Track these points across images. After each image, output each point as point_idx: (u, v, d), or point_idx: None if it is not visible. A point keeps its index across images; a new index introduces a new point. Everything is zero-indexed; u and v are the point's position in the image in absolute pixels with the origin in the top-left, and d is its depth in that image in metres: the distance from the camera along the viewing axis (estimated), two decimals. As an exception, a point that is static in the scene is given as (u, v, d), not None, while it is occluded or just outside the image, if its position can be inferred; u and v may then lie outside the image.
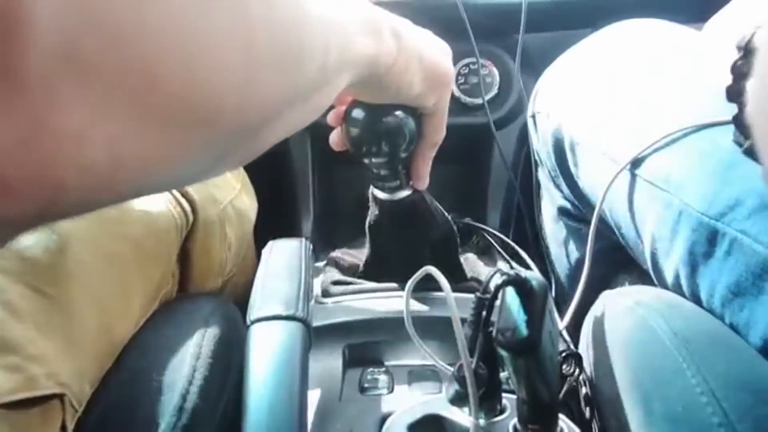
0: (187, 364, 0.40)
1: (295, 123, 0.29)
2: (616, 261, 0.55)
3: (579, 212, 0.62)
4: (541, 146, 0.65)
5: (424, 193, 0.55)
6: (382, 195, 0.54)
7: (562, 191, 0.64)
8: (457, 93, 0.84)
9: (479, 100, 0.82)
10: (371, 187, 0.55)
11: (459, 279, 0.60)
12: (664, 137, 0.47)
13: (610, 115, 0.53)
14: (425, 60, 0.42)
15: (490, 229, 0.69)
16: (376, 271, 0.60)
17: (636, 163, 0.49)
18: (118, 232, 0.42)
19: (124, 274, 0.42)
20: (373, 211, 0.56)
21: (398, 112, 0.47)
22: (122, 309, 0.41)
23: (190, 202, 0.50)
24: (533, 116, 0.67)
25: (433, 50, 0.44)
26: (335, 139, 0.52)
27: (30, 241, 0.36)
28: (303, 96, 0.27)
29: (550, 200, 0.68)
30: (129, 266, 0.42)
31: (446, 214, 0.59)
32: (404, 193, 0.53)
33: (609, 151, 0.52)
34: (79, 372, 0.36)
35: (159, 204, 0.47)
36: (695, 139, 0.45)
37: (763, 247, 0.38)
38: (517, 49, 0.81)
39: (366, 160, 0.50)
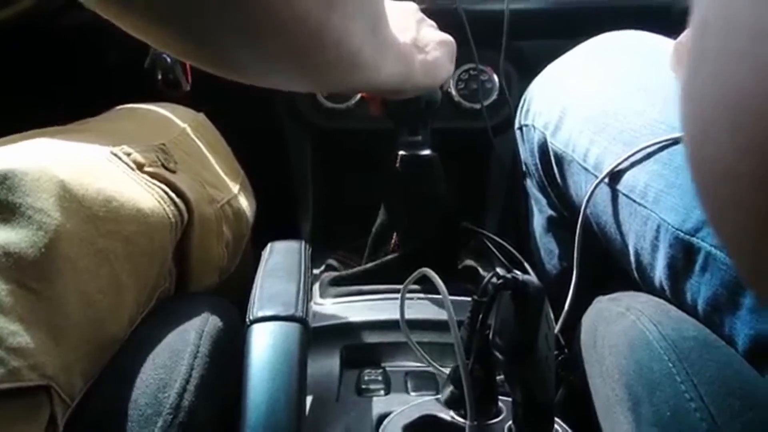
0: (184, 362, 0.40)
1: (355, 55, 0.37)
2: (606, 268, 0.56)
3: (567, 222, 0.62)
4: (528, 157, 0.66)
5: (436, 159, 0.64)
6: (406, 152, 0.63)
7: (550, 201, 0.65)
8: (457, 98, 0.84)
9: (478, 106, 0.82)
10: (397, 151, 0.64)
11: (452, 266, 0.64)
12: (640, 150, 0.47)
13: (593, 127, 0.54)
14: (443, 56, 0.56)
15: (488, 233, 0.69)
16: (382, 239, 0.64)
17: (615, 176, 0.49)
18: (108, 229, 0.42)
19: (116, 271, 0.42)
20: (393, 175, 0.65)
21: None
22: (114, 305, 0.42)
23: (185, 201, 0.50)
24: (520, 128, 0.67)
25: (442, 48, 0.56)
26: (375, 107, 0.65)
27: (16, 237, 0.36)
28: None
29: (539, 209, 0.68)
30: (120, 263, 0.43)
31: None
32: (425, 151, 0.63)
33: (590, 163, 0.53)
34: (66, 365, 0.36)
35: (151, 202, 0.47)
36: (671, 153, 0.45)
37: None
38: (501, 55, 0.82)
39: (400, 120, 0.63)
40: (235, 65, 0.33)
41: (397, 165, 0.63)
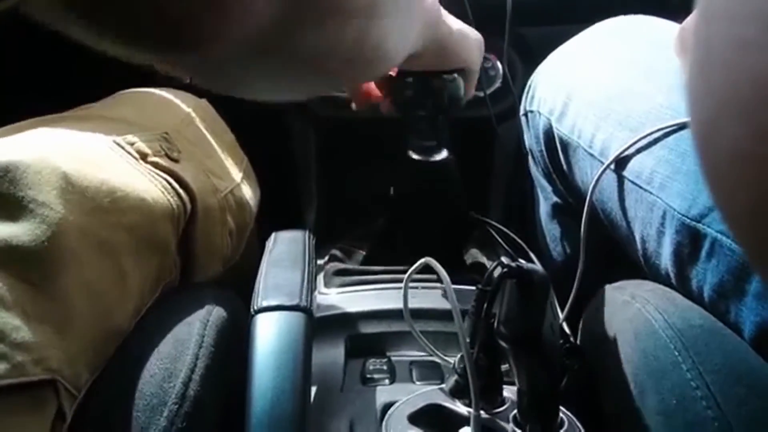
0: (189, 352, 0.40)
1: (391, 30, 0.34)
2: (612, 255, 0.56)
3: (572, 209, 0.62)
4: (533, 144, 0.65)
5: (453, 162, 0.58)
6: (418, 156, 0.56)
7: (555, 188, 0.64)
8: None
9: (482, 93, 0.82)
10: (408, 152, 0.57)
11: (458, 255, 0.63)
12: (646, 136, 0.47)
13: (598, 112, 0.53)
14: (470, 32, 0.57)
15: (493, 222, 0.69)
16: (386, 243, 0.62)
17: (621, 162, 0.49)
18: (112, 221, 0.42)
19: (120, 263, 0.42)
20: (401, 177, 0.59)
21: (445, 75, 0.53)
22: (118, 297, 0.42)
23: (189, 191, 0.50)
24: (525, 114, 0.67)
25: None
26: (385, 105, 0.59)
27: (18, 231, 0.36)
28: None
29: (545, 197, 0.68)
30: (124, 255, 0.42)
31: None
32: (440, 155, 0.56)
33: (596, 149, 0.52)
34: (72, 358, 0.36)
35: (155, 193, 0.47)
36: (677, 139, 0.45)
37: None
38: (504, 42, 0.81)
39: (413, 120, 0.56)
40: (265, 96, 0.35)
41: (409, 170, 0.59)
